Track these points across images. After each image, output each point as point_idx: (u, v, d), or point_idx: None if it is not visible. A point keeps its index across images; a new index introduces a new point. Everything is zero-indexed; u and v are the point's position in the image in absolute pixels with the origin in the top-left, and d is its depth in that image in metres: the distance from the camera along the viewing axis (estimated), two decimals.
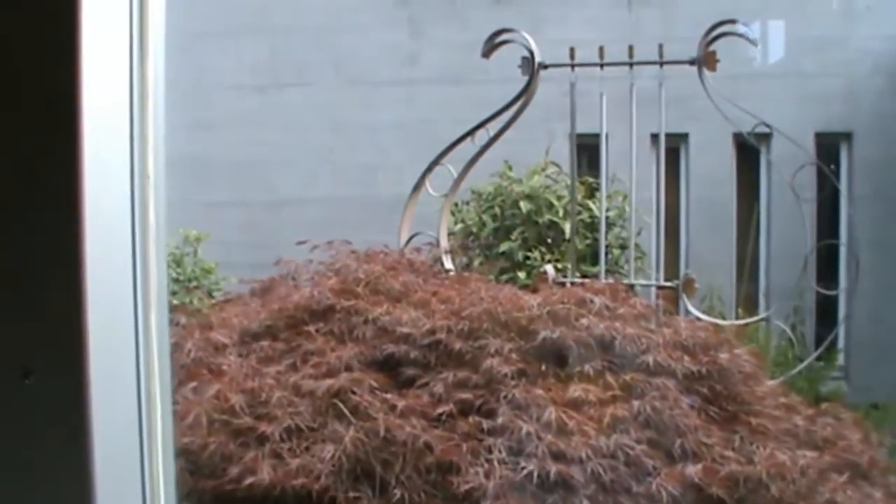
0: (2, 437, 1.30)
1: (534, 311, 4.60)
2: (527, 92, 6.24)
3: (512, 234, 8.53)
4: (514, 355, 4.31)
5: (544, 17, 10.12)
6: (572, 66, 6.31)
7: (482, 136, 6.38)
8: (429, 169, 6.49)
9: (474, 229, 8.70)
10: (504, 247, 8.45)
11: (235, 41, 10.83)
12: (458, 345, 4.34)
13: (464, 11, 10.56)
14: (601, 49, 6.25)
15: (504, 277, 7.89)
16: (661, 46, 6.17)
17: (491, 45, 6.30)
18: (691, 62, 6.03)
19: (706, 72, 6.01)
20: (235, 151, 10.33)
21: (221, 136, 10.72)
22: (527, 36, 6.24)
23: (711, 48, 6.02)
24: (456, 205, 8.61)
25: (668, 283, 6.21)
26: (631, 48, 6.23)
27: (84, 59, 1.27)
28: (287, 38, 10.74)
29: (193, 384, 4.21)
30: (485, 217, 8.73)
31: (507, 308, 4.59)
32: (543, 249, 8.40)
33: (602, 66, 6.30)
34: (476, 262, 8.26)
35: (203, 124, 10.80)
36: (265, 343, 4.59)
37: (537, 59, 6.20)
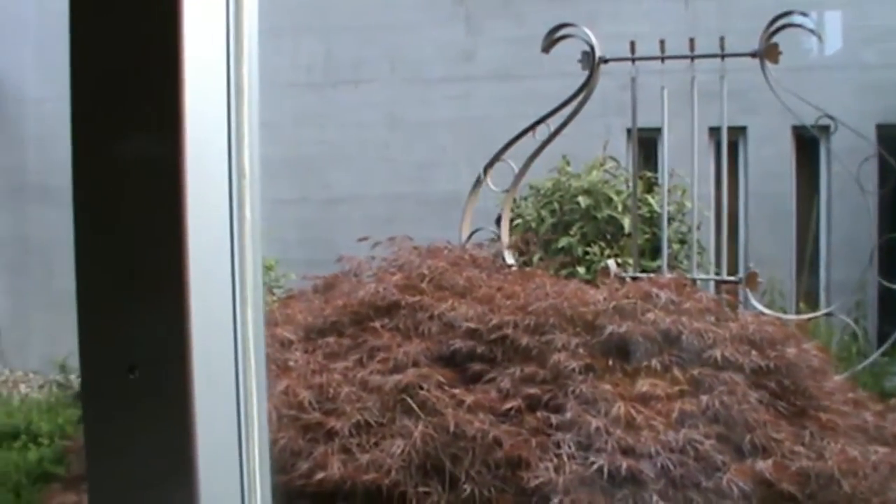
0: (107, 430, 1.32)
1: (600, 305, 4.59)
2: (587, 86, 6.24)
3: (571, 230, 8.51)
4: (580, 350, 4.31)
5: (599, 11, 10.07)
6: (633, 59, 6.29)
7: (542, 132, 6.38)
8: (490, 164, 6.49)
9: (533, 225, 8.68)
10: (563, 242, 8.43)
11: (292, 40, 10.88)
12: (524, 340, 4.34)
13: (519, 7, 10.55)
14: (662, 43, 6.23)
15: (563, 273, 7.86)
16: (722, 39, 6.14)
17: (550, 40, 6.30)
18: (753, 54, 6.00)
19: (768, 64, 5.98)
20: (292, 149, 10.38)
21: (278, 134, 10.77)
22: (587, 31, 6.23)
23: (773, 40, 5.98)
24: (514, 200, 8.60)
25: (732, 278, 6.17)
26: (692, 41, 6.21)
27: (186, 57, 1.28)
28: (343, 37, 10.78)
29: None
30: (543, 212, 8.71)
31: (572, 303, 4.58)
32: (602, 244, 8.37)
33: (663, 59, 6.27)
34: (535, 258, 8.24)
35: (260, 123, 10.84)
36: (331, 339, 4.61)
37: (597, 53, 6.18)
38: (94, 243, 1.33)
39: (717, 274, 7.49)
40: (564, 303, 4.58)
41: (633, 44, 6.28)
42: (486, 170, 6.46)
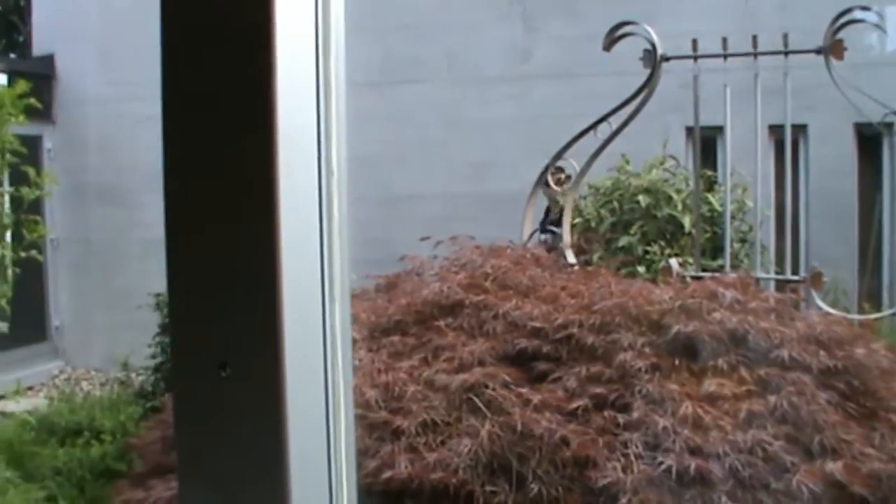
0: (198, 427, 1.32)
1: (665, 304, 4.56)
2: (649, 85, 6.20)
3: (630, 229, 8.46)
4: (646, 349, 4.28)
5: (657, 8, 9.99)
6: (695, 57, 6.24)
7: (602, 130, 6.35)
8: (551, 163, 6.47)
9: (592, 224, 8.64)
10: (623, 241, 8.38)
11: (350, 39, 10.89)
12: (590, 339, 4.32)
13: (576, 5, 10.50)
14: (724, 40, 6.18)
15: (623, 272, 7.82)
16: (785, 36, 6.08)
17: (612, 39, 6.26)
18: (818, 51, 5.93)
19: (832, 60, 5.91)
20: (350, 149, 10.37)
21: None
22: (649, 29, 6.19)
23: (838, 36, 5.91)
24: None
25: (796, 277, 6.11)
26: (755, 38, 6.15)
27: (278, 56, 1.28)
28: (401, 36, 10.80)
29: None
30: (602, 211, 8.67)
31: (638, 302, 4.56)
32: (662, 243, 8.32)
33: (725, 57, 6.22)
34: (595, 257, 8.21)
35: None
36: (395, 338, 4.62)
37: (659, 51, 6.14)
38: (186, 243, 1.33)
39: (779, 273, 7.41)
40: (630, 302, 4.55)
41: (695, 42, 6.23)
42: (547, 168, 6.44)
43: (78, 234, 11.70)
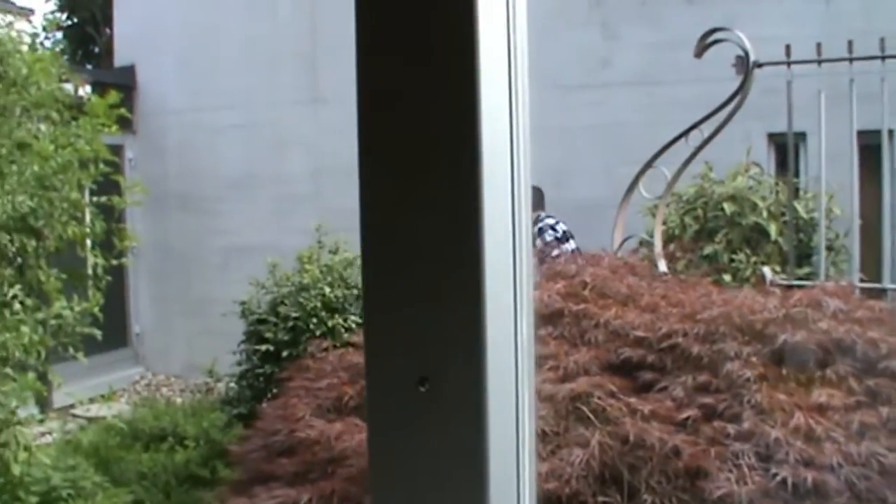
0: (393, 443, 1.31)
1: (769, 314, 4.50)
2: (742, 91, 6.13)
3: (715, 237, 8.38)
4: (753, 359, 4.22)
5: (738, 13, 9.90)
6: (788, 63, 6.18)
7: (693, 137, 6.29)
8: (642, 171, 6.42)
9: (676, 232, 8.57)
10: (708, 249, 8.30)
11: None
12: (695, 349, 4.27)
13: (656, 11, 10.43)
14: (818, 46, 6.11)
15: (709, 280, 7.75)
16: (882, 41, 6.00)
17: (703, 45, 6.20)
18: None
19: None
20: None
21: None
22: (741, 35, 6.12)
23: None
24: (656, 207, 8.51)
25: (893, 286, 6.01)
26: (850, 43, 6.07)
27: (481, 60, 1.27)
28: None
29: None
30: (686, 219, 8.60)
31: (742, 311, 4.50)
32: (748, 251, 8.23)
33: (820, 62, 6.14)
34: (680, 265, 8.14)
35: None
36: None
37: (752, 57, 6.07)
38: (383, 255, 1.32)
39: (866, 280, 7.30)
40: (733, 311, 4.50)
41: (788, 47, 6.17)
42: (639, 176, 6.39)
43: (158, 241, 11.83)
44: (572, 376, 4.15)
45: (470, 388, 1.28)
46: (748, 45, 6.08)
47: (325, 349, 5.47)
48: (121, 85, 11.13)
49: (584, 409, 3.92)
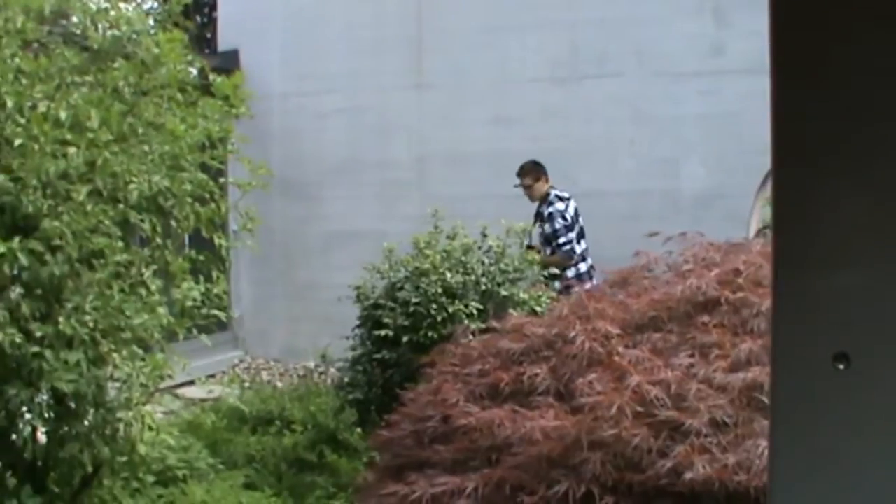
0: (803, 426, 1.21)
1: None
2: None
3: None
4: None
5: None
6: None
7: None
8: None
9: None
10: None
11: (536, 35, 10.83)
12: None
13: None
14: None
15: None
16: None
17: None
18: None
19: None
20: (536, 144, 10.32)
21: (522, 129, 10.76)
22: None
23: None
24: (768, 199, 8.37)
25: None
26: None
27: None
28: (588, 31, 10.67)
29: (594, 374, 4.18)
30: None
31: None
32: None
33: None
34: None
35: (503, 119, 10.86)
36: (654, 335, 4.51)
37: None
38: (795, 228, 1.21)
39: None
40: None
41: None
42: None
43: (259, 225, 11.82)
44: (742, 365, 4.05)
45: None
46: None
47: (473, 333, 5.42)
48: (224, 69, 11.14)
49: (763, 399, 3.81)
